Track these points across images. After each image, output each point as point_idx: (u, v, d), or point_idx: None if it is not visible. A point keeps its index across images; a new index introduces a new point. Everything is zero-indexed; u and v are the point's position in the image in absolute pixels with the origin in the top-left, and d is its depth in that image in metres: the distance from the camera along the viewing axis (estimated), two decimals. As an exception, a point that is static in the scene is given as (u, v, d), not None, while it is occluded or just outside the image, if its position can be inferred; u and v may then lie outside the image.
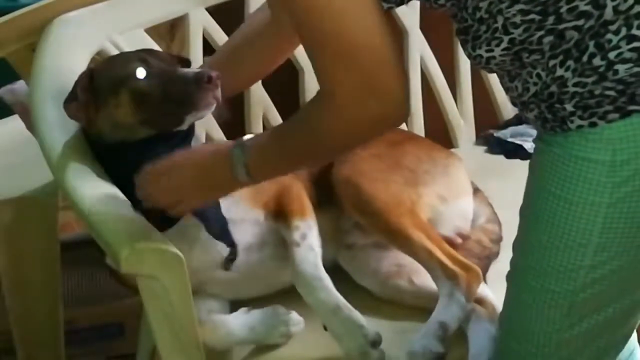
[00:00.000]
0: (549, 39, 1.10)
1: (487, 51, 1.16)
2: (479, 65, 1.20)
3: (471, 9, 1.15)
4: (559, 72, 1.11)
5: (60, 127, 1.40)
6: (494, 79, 2.04)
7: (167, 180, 1.30)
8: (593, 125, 1.10)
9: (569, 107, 1.11)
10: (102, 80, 1.39)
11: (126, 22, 1.68)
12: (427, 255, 1.43)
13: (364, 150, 1.52)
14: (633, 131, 1.09)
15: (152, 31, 1.74)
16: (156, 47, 1.71)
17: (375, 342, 1.33)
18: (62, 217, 1.90)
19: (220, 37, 1.81)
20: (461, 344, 1.40)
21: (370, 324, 1.41)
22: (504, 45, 1.13)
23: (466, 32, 1.18)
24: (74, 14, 1.62)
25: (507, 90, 1.23)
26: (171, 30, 2.09)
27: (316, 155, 1.24)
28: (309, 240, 1.41)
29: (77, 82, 1.39)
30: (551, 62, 1.11)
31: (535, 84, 1.14)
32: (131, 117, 1.37)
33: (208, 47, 1.81)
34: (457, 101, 2.03)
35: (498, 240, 1.57)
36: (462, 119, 2.04)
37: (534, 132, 1.97)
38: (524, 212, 1.23)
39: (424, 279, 1.49)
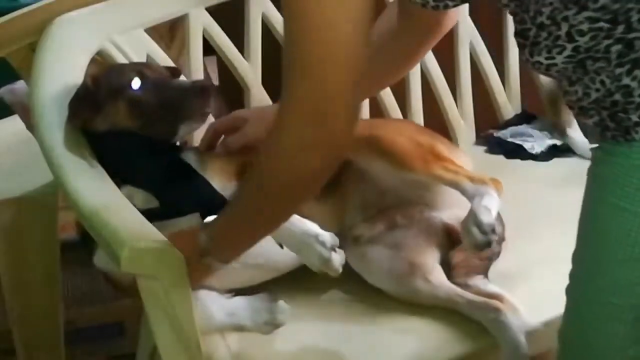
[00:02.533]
0: (617, 47, 1.07)
1: (547, 58, 1.12)
2: (537, 71, 1.17)
3: (533, 12, 1.11)
4: (625, 81, 1.07)
5: (60, 127, 1.41)
6: (494, 80, 2.04)
7: None
8: None
9: (634, 117, 1.07)
10: (100, 87, 1.43)
11: (126, 22, 1.68)
12: (453, 174, 1.49)
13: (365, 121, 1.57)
14: None
15: (152, 31, 1.74)
16: (156, 47, 1.72)
17: (334, 246, 1.33)
18: (62, 217, 1.90)
19: (220, 37, 1.81)
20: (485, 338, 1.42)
21: (371, 323, 1.42)
22: (567, 52, 1.10)
23: (524, 35, 1.14)
24: (74, 14, 1.61)
25: (564, 93, 1.18)
26: (171, 30, 2.09)
27: (265, 200, 1.18)
28: None
29: (78, 89, 1.43)
30: (617, 70, 1.07)
31: (597, 90, 1.10)
32: (129, 123, 1.41)
33: (208, 47, 1.81)
34: (457, 101, 2.03)
35: (500, 240, 1.57)
36: (462, 119, 2.03)
37: (534, 132, 2.00)
38: (584, 225, 1.18)
39: (439, 277, 1.50)
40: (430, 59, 1.98)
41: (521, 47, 1.16)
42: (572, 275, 1.21)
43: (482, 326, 1.43)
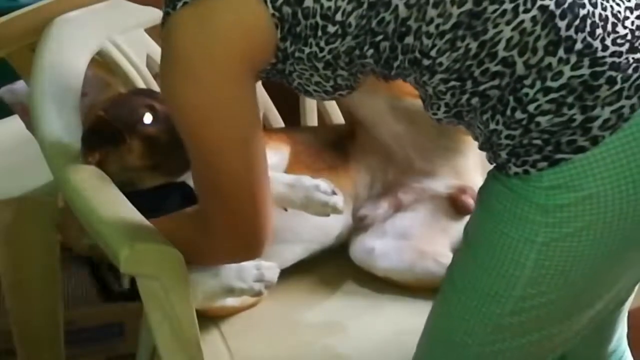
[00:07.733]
0: (475, 99, 1.14)
1: (433, 114, 1.20)
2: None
3: (407, 79, 1.19)
4: (492, 125, 1.14)
5: (60, 127, 1.41)
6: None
7: None
8: (526, 172, 1.12)
9: (503, 155, 1.14)
10: (110, 126, 1.38)
11: (126, 22, 1.68)
12: None
13: None
14: (564, 179, 1.10)
15: (152, 31, 1.74)
16: (156, 47, 1.71)
17: (332, 189, 1.42)
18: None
19: (220, 37, 1.80)
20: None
21: (371, 323, 1.42)
22: (443, 109, 1.18)
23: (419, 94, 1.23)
24: (74, 14, 1.62)
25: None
26: (171, 30, 2.09)
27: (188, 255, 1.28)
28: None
29: (89, 130, 1.39)
30: (484, 117, 1.14)
31: (480, 134, 1.18)
32: (142, 162, 1.39)
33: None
34: (457, 101, 2.03)
35: None
36: (462, 119, 2.03)
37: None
38: (469, 233, 1.23)
39: (450, 257, 1.51)
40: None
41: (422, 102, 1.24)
42: (451, 274, 1.25)
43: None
